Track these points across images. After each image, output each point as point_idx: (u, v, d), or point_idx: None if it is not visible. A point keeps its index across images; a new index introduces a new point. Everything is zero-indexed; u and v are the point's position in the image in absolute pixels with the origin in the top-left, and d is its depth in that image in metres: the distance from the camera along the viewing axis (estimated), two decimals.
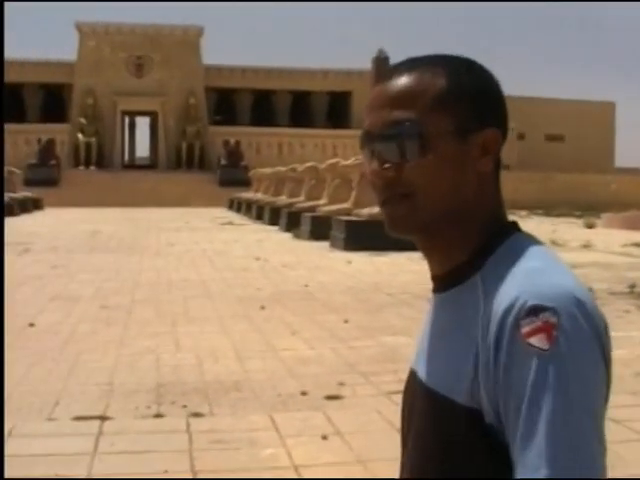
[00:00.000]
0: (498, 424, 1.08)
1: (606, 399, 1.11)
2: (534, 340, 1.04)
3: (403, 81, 1.19)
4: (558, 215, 40.35)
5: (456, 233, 1.19)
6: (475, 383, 1.10)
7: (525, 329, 1.04)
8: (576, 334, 1.04)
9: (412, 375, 1.28)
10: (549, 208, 41.33)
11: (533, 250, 1.16)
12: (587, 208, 41.65)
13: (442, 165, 1.16)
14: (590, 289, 11.83)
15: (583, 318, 1.05)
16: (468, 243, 1.19)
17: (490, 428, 1.08)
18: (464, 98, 1.17)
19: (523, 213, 37.37)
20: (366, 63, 37.67)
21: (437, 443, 1.15)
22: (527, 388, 1.03)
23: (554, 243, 20.67)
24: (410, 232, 1.21)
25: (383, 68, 34.89)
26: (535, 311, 1.04)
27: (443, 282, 1.22)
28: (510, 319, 1.06)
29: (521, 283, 1.08)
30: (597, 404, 1.05)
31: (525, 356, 1.04)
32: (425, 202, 1.16)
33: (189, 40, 66.03)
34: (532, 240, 1.19)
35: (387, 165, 1.17)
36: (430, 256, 1.24)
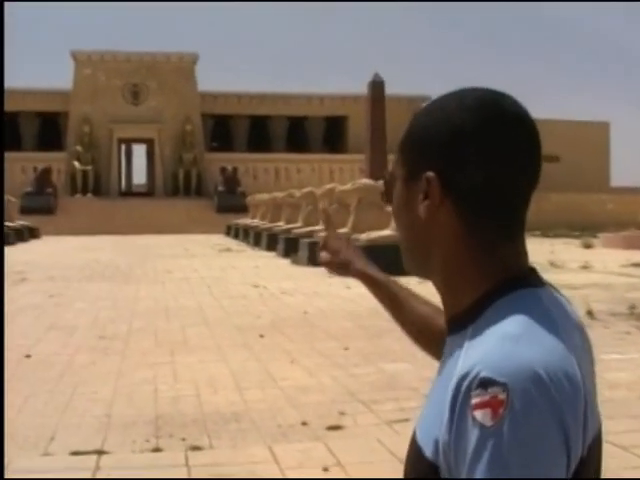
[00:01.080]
0: None
1: None
2: (479, 414, 0.98)
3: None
4: (555, 236, 40.35)
5: (445, 282, 1.18)
6: (437, 440, 1.05)
7: (474, 401, 0.99)
8: (526, 414, 0.97)
9: None
10: (545, 229, 41.30)
11: (521, 312, 1.06)
12: (583, 228, 41.65)
13: (398, 210, 1.21)
14: (590, 312, 11.75)
15: (539, 396, 0.97)
16: (462, 294, 1.14)
17: None
18: (411, 143, 1.18)
19: None
20: (362, 88, 37.67)
21: None
22: (467, 461, 0.98)
23: (552, 265, 20.62)
24: (409, 271, 1.25)
25: (378, 93, 34.91)
26: (485, 384, 0.98)
27: (448, 327, 1.19)
28: (464, 388, 1.01)
29: (484, 350, 1.02)
30: None
31: (470, 428, 0.99)
32: (401, 244, 1.23)
33: (184, 67, 66.27)
34: (532, 299, 1.10)
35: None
36: (441, 299, 1.22)
